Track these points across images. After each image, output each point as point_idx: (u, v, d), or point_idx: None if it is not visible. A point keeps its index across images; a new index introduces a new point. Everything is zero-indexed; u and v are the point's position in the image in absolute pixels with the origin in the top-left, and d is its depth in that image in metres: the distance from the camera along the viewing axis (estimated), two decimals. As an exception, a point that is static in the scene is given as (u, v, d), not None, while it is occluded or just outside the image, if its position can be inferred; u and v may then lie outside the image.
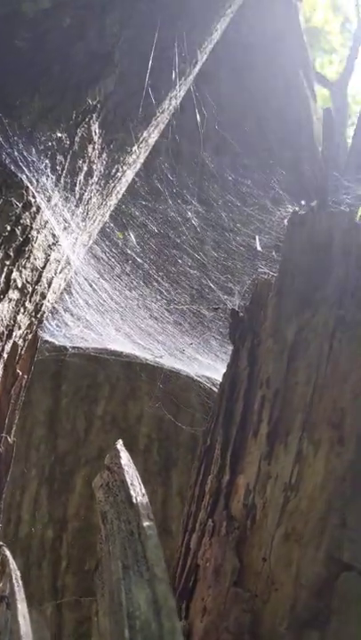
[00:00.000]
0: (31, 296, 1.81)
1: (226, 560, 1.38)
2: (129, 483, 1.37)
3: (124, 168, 2.23)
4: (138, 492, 1.35)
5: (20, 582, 1.18)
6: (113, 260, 2.32)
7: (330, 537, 1.29)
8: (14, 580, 1.17)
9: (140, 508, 1.29)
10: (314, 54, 8.17)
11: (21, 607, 1.12)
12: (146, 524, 1.24)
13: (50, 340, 2.33)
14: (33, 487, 4.13)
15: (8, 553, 1.26)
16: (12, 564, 1.22)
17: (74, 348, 2.49)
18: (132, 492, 1.34)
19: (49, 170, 1.81)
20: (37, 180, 1.77)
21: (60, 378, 4.34)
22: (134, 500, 1.31)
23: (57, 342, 2.40)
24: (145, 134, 2.24)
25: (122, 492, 1.35)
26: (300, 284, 1.48)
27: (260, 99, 5.25)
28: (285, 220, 1.56)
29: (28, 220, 1.76)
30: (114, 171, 2.16)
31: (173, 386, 2.80)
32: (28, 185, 1.74)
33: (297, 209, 1.55)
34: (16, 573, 1.20)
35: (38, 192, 1.78)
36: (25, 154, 1.73)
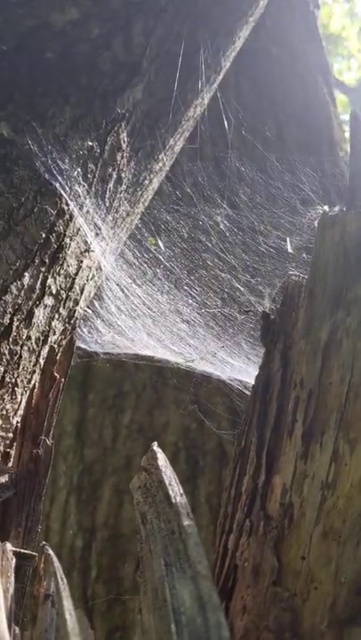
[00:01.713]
0: (65, 302, 1.84)
1: (264, 559, 1.38)
2: (167, 483, 1.38)
3: (151, 176, 2.26)
4: (176, 492, 1.36)
5: (65, 580, 1.20)
6: (145, 265, 2.35)
7: (369, 534, 1.30)
8: (59, 578, 1.19)
9: (180, 508, 1.30)
10: (332, 60, 8.19)
11: (67, 604, 1.14)
12: (186, 522, 1.25)
13: (82, 346, 2.36)
14: (62, 497, 4.15)
15: (51, 551, 1.28)
16: (56, 562, 1.24)
17: (105, 354, 2.52)
18: (170, 492, 1.35)
19: (81, 178, 1.84)
20: (70, 188, 1.81)
21: (87, 388, 4.38)
22: (173, 500, 1.32)
23: (89, 348, 2.44)
24: (171, 142, 2.27)
25: (160, 492, 1.36)
26: (332, 285, 1.49)
27: (279, 105, 5.28)
28: (316, 222, 1.58)
29: (61, 228, 1.79)
30: (141, 178, 2.19)
31: (205, 390, 2.82)
32: (62, 193, 1.78)
33: (327, 210, 1.56)
34: (60, 571, 1.22)
35: (71, 199, 1.81)
36: (59, 162, 1.77)
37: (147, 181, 2.23)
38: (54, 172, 1.77)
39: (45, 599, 1.20)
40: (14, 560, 1.34)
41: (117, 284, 2.22)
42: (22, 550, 1.49)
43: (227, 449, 4.09)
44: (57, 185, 1.78)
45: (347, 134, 6.05)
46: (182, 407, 3.22)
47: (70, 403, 4.15)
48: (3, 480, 1.56)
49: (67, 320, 1.89)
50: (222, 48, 2.38)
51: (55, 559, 1.26)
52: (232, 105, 2.89)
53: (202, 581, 1.11)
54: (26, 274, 1.69)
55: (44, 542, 1.35)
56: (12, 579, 1.27)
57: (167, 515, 1.30)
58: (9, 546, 1.38)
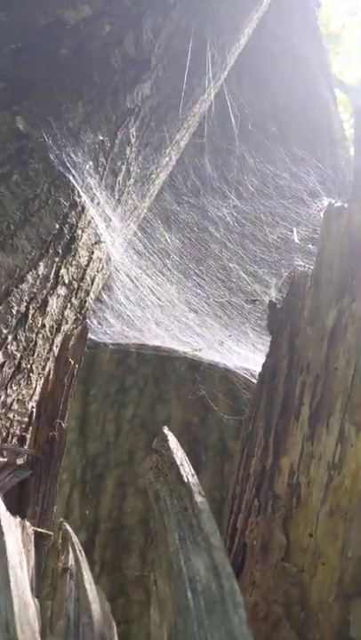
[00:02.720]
0: (77, 292, 1.89)
1: (273, 537, 1.43)
2: (179, 463, 1.43)
3: (158, 170, 2.31)
4: (188, 472, 1.40)
5: (83, 553, 1.25)
6: (155, 255, 2.39)
7: (374, 510, 1.35)
8: (77, 551, 1.24)
9: (192, 486, 1.35)
10: (331, 59, 8.22)
11: (87, 575, 1.19)
12: (198, 499, 1.30)
13: (91, 336, 2.40)
14: (65, 490, 4.18)
15: (68, 527, 1.32)
16: (74, 537, 1.29)
17: (114, 344, 2.56)
18: (182, 472, 1.39)
19: (92, 171, 1.89)
20: (83, 181, 1.86)
21: (89, 383, 4.41)
22: (185, 479, 1.37)
23: (97, 339, 2.48)
24: (178, 137, 2.32)
25: (172, 472, 1.41)
26: (337, 274, 1.54)
27: (280, 104, 5.32)
28: (321, 213, 1.63)
29: (74, 219, 1.84)
30: (149, 173, 2.24)
31: (210, 379, 2.86)
32: (75, 185, 1.83)
33: (333, 201, 1.61)
34: (78, 545, 1.27)
35: (83, 192, 1.86)
36: (72, 155, 1.82)
37: (154, 175, 2.28)
38: (68, 164, 1.83)
39: (64, 572, 1.25)
40: (33, 535, 1.38)
41: (127, 275, 2.27)
42: (38, 529, 1.54)
43: (228, 443, 4.12)
44: (70, 177, 1.83)
45: (347, 133, 6.09)
46: (190, 394, 3.26)
47: (73, 398, 4.17)
48: (20, 461, 1.61)
49: (78, 310, 1.94)
50: (228, 45, 2.44)
51: (73, 534, 1.31)
52: (234, 103, 2.94)
53: (216, 552, 1.16)
54: (41, 263, 1.74)
55: (62, 519, 1.40)
56: (33, 552, 1.32)
57: (179, 492, 1.34)
58: (27, 523, 1.43)
